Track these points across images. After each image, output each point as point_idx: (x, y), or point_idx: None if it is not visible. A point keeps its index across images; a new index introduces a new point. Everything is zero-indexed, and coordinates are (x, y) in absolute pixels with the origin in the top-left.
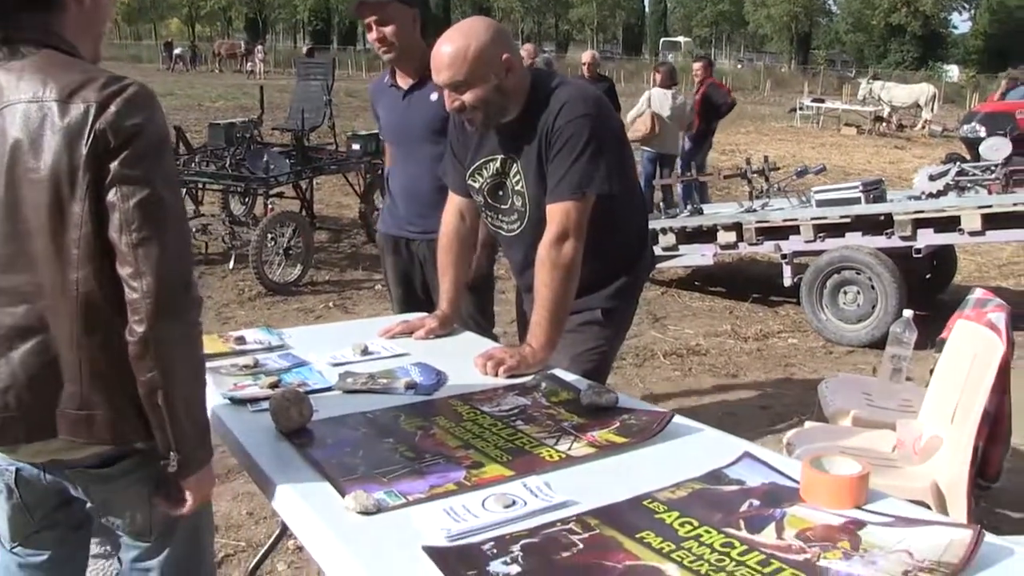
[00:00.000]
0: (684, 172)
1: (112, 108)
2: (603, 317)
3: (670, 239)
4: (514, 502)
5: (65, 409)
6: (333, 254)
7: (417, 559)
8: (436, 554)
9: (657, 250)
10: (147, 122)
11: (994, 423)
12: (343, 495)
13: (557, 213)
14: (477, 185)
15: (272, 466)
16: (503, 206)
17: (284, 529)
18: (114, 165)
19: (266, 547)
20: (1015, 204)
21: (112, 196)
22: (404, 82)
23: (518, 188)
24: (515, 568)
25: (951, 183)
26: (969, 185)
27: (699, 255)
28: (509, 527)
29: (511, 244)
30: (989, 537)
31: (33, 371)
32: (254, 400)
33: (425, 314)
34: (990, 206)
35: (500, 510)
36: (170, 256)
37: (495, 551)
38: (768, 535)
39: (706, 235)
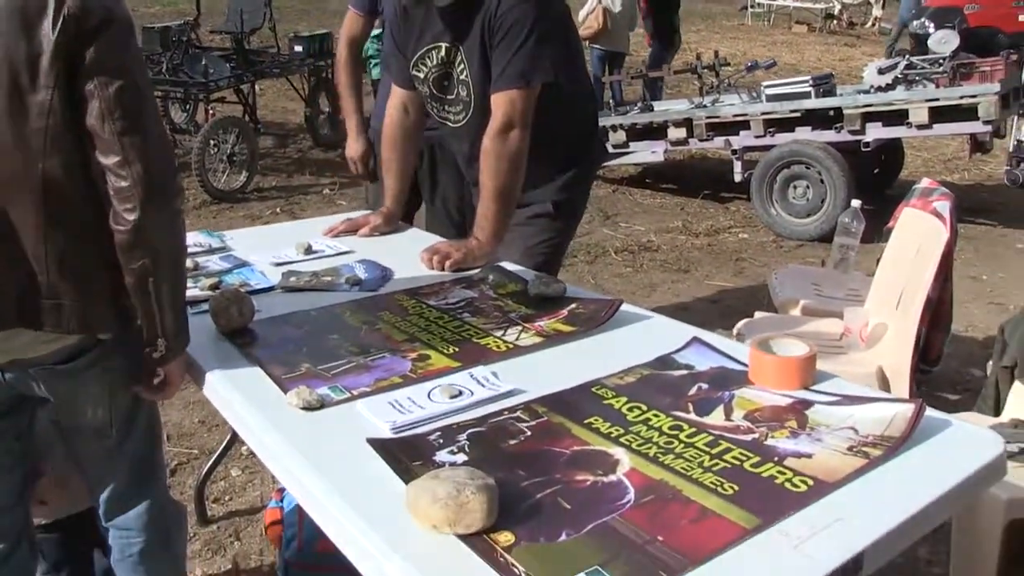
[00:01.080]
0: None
1: None
2: (553, 209)
3: (620, 136)
4: (460, 392)
5: (33, 298)
6: (280, 160)
7: (362, 452)
8: (381, 446)
9: (607, 148)
10: (115, 4)
11: (936, 310)
12: (286, 392)
13: (502, 102)
14: (421, 75)
15: (213, 367)
16: (448, 96)
17: (235, 435)
18: (90, 53)
19: (217, 453)
20: (961, 97)
21: (91, 85)
22: None
23: (463, 77)
24: (461, 457)
25: (900, 76)
26: (917, 79)
27: (650, 152)
28: (456, 417)
29: (457, 136)
30: (929, 411)
31: None
32: (194, 302)
33: (370, 211)
34: (937, 99)
35: (446, 401)
36: (154, 143)
37: (441, 441)
38: (716, 417)
39: (656, 132)
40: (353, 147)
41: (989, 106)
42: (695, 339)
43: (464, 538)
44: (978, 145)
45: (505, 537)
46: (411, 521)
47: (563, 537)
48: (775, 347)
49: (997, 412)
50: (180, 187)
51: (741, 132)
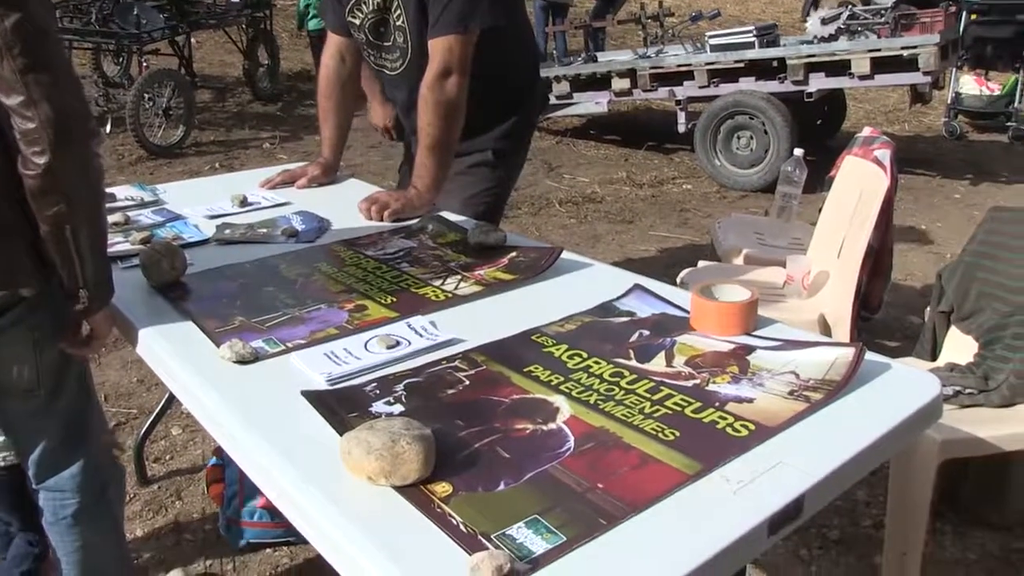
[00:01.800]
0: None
1: None
2: (494, 158)
3: (564, 87)
4: (398, 343)
5: None
6: (218, 114)
7: (296, 405)
8: (315, 398)
9: (551, 99)
10: None
11: (877, 258)
12: (219, 346)
13: (439, 49)
14: (357, 22)
15: (145, 323)
16: (385, 43)
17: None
18: None
19: (156, 411)
20: (902, 48)
21: None
22: None
23: (399, 23)
24: (398, 407)
25: (842, 27)
26: (860, 29)
27: (593, 103)
28: (393, 367)
29: (395, 84)
30: (869, 355)
31: None
32: (124, 257)
33: (307, 163)
34: (879, 50)
35: (383, 351)
36: (63, 84)
37: (378, 392)
38: (658, 364)
39: (600, 83)
40: (377, 112)
41: (929, 57)
42: (637, 286)
43: (400, 489)
44: (918, 96)
45: (442, 488)
46: (346, 474)
47: (502, 486)
48: (717, 293)
49: (934, 357)
50: (95, 128)
51: (685, 83)
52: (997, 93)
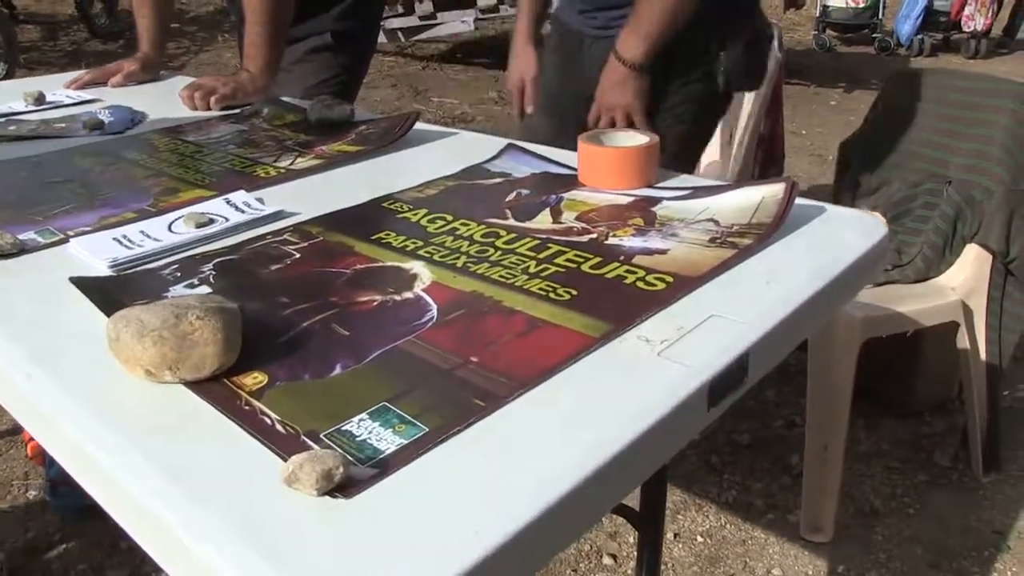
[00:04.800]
0: None
1: None
2: (334, 41)
3: (427, 7)
4: (212, 220)
5: None
6: (49, 53)
7: (68, 297)
8: (88, 285)
9: (413, 20)
10: None
11: (769, 146)
12: None
13: None
14: None
15: None
16: None
17: None
18: None
19: None
20: None
21: None
22: None
23: None
24: (204, 289)
25: None
26: None
27: (459, 22)
28: (201, 247)
29: None
30: (800, 200)
31: None
32: None
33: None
34: None
35: (191, 231)
36: None
37: (179, 275)
38: (542, 221)
39: (465, 0)
40: (516, 69)
41: None
42: (511, 145)
43: (193, 385)
44: (791, 2)
45: (254, 378)
46: (120, 371)
47: (337, 370)
48: (608, 140)
49: None
50: None
51: None
52: (862, 6)
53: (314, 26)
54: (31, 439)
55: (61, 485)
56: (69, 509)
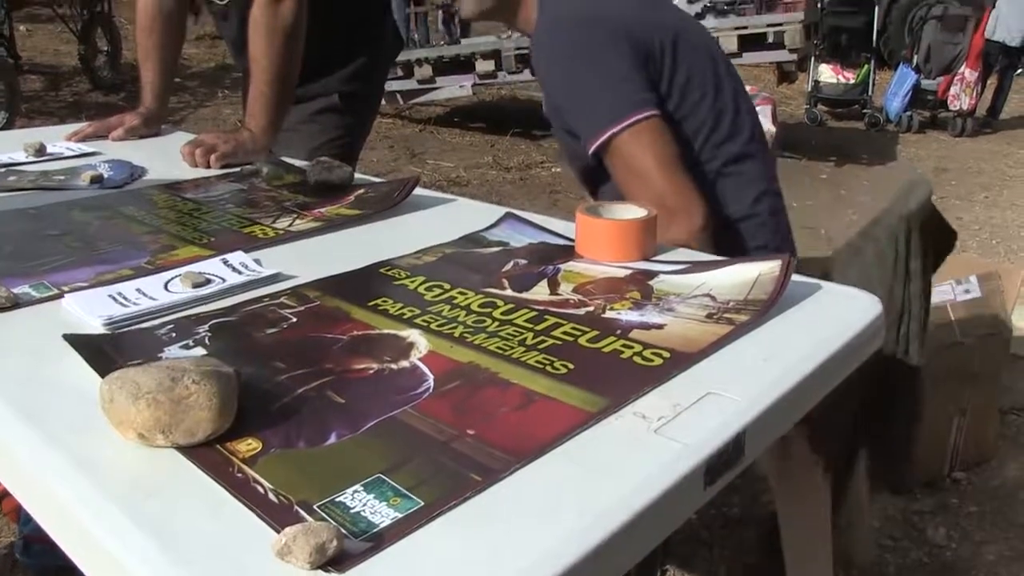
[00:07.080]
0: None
1: None
2: (341, 102)
3: (426, 71)
4: (209, 280)
5: None
6: (50, 103)
7: (61, 354)
8: (81, 342)
9: (412, 84)
10: None
11: None
12: None
13: None
14: None
15: None
16: None
17: None
18: None
19: None
20: (768, 25)
21: None
22: None
23: None
24: (199, 350)
25: (708, 5)
26: (726, 8)
27: (458, 86)
28: (198, 307)
29: (225, 17)
30: (796, 277)
31: None
32: None
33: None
34: (746, 27)
35: (188, 290)
36: None
37: (174, 335)
38: (539, 292)
39: (464, 65)
40: None
41: (795, 34)
42: (509, 214)
43: (186, 450)
44: (784, 75)
45: (247, 445)
46: (111, 433)
47: (332, 439)
48: (606, 212)
49: None
50: None
51: None
52: (852, 82)
53: (321, 87)
54: (6, 496)
55: (36, 542)
56: (42, 568)
